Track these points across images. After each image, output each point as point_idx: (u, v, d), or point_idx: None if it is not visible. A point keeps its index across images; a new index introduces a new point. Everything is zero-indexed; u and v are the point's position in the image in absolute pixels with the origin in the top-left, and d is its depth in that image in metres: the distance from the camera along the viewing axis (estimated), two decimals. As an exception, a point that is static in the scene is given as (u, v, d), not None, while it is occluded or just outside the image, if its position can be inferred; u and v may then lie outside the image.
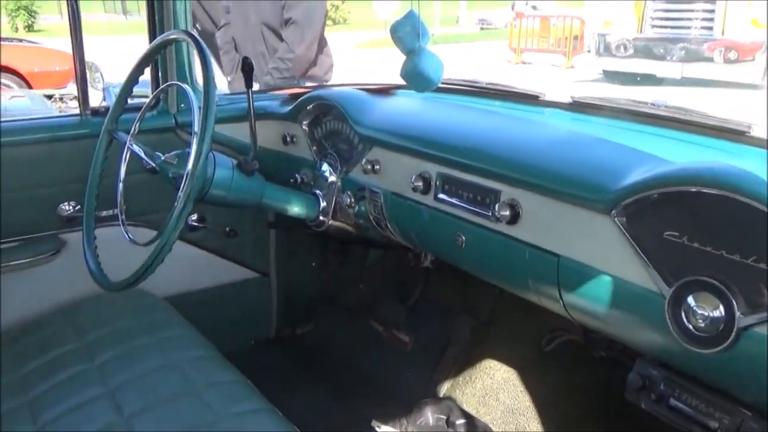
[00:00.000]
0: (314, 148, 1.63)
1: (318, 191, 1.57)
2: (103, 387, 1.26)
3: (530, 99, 1.53)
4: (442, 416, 1.60)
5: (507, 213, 1.12)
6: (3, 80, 6.34)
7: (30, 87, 6.41)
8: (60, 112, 3.95)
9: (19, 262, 1.58)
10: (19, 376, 1.32)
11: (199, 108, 1.23)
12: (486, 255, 1.23)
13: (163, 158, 1.34)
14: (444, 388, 1.75)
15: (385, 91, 1.75)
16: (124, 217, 1.37)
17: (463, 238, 1.23)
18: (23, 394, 1.27)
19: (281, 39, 2.53)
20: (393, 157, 1.39)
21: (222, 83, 2.72)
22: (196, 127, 1.22)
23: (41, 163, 1.59)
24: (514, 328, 1.72)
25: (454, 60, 1.51)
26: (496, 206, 1.14)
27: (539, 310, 1.20)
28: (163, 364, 1.33)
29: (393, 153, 1.39)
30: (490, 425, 1.60)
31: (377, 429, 1.60)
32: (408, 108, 1.62)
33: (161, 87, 1.60)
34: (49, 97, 4.36)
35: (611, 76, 8.12)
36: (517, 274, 1.18)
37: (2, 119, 1.57)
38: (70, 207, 1.61)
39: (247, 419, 1.18)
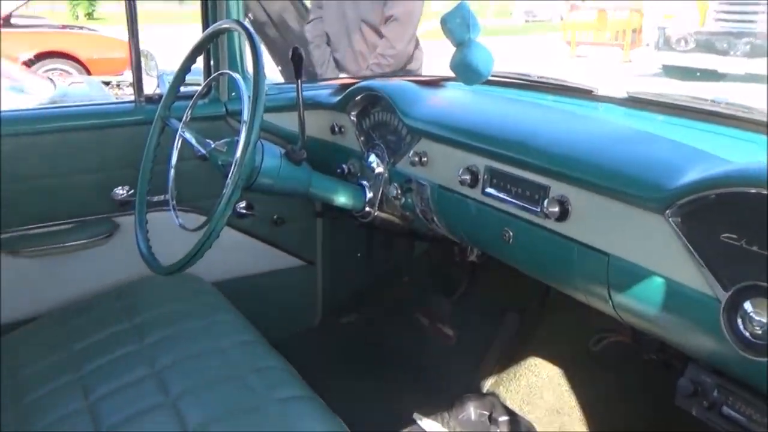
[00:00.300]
0: (362, 138, 1.63)
1: (365, 182, 1.57)
2: (150, 368, 1.30)
3: (584, 93, 1.50)
4: (484, 412, 1.59)
5: (556, 209, 1.09)
6: (63, 66, 6.57)
7: (89, 73, 6.62)
8: (116, 98, 4.06)
9: (74, 243, 1.63)
10: (72, 353, 1.37)
11: (249, 97, 1.24)
12: (533, 251, 1.21)
13: (213, 146, 1.36)
14: (487, 384, 1.73)
15: (434, 83, 1.74)
16: (174, 202, 1.40)
17: (511, 233, 1.21)
18: (76, 370, 1.31)
19: (380, 35, 2.56)
20: (441, 150, 1.37)
21: (273, 73, 2.76)
22: (246, 116, 1.23)
23: (97, 149, 1.64)
24: (561, 326, 1.69)
25: (505, 53, 1.48)
26: (545, 202, 1.12)
27: (587, 309, 1.17)
28: (209, 347, 1.35)
29: (441, 145, 1.37)
30: (534, 424, 1.58)
31: (418, 422, 1.60)
32: (457, 100, 1.61)
33: (213, 76, 1.63)
34: (107, 83, 4.48)
35: (671, 71, 7.87)
36: (564, 271, 1.15)
37: (61, 105, 1.62)
38: (124, 191, 1.65)
39: (290, 405, 1.19)
